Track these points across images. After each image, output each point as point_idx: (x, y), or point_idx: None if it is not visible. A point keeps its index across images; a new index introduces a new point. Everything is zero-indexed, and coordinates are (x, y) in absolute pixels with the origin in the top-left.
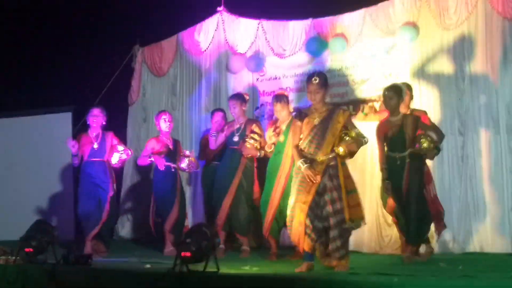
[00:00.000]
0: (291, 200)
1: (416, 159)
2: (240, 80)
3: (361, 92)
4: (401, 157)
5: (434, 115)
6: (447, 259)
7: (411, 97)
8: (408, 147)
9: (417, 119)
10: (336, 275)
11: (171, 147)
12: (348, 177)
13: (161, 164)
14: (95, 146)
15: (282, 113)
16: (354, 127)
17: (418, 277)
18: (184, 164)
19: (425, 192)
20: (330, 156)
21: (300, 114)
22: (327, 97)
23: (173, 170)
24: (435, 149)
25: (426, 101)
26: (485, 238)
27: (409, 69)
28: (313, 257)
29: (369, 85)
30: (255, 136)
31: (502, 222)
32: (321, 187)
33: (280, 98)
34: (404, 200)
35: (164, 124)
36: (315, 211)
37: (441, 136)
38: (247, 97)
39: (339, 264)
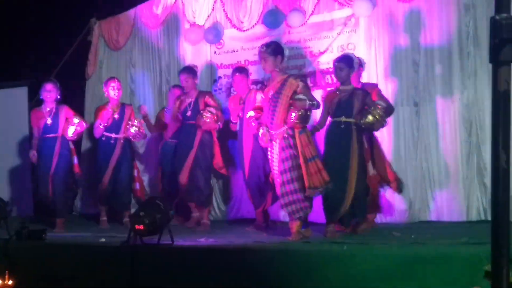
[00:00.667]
0: None
1: (364, 130)
2: (198, 53)
3: (318, 64)
4: (346, 122)
5: (390, 86)
6: (402, 227)
7: (361, 70)
8: (355, 117)
9: (367, 94)
10: (289, 244)
11: (116, 116)
12: (307, 145)
13: (98, 132)
14: (48, 121)
15: (241, 85)
16: (307, 93)
17: (368, 245)
18: (132, 129)
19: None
20: (283, 128)
21: (263, 85)
22: (279, 65)
23: (112, 141)
24: (381, 121)
25: (382, 72)
26: (441, 208)
27: (366, 41)
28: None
29: (326, 57)
30: (211, 109)
31: (457, 191)
32: (275, 158)
33: (241, 70)
34: (343, 170)
35: (112, 92)
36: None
37: (390, 109)
38: (197, 69)
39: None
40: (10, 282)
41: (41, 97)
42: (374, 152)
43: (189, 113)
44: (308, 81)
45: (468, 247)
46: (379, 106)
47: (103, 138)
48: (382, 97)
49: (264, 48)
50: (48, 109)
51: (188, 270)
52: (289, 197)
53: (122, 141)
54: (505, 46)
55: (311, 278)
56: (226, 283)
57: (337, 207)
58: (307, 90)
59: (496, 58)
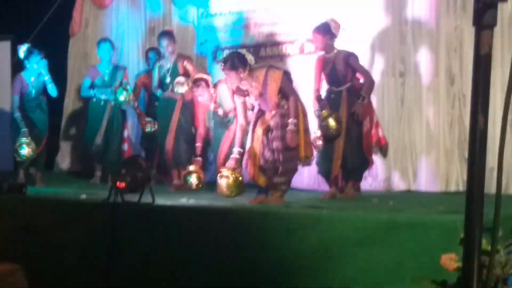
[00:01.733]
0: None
1: (353, 95)
2: (184, 14)
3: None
4: (336, 91)
5: (376, 57)
6: (382, 195)
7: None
8: (342, 83)
9: (349, 55)
10: (270, 207)
11: (106, 77)
12: (306, 115)
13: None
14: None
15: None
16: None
17: (346, 211)
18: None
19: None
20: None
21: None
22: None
23: (102, 103)
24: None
25: (369, 42)
26: (420, 178)
27: (352, 13)
28: (267, 192)
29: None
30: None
31: (438, 162)
32: (273, 123)
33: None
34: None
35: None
36: (266, 146)
37: (370, 84)
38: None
39: (275, 196)
40: None
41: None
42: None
43: (168, 79)
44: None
45: (445, 216)
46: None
47: (94, 100)
48: (359, 66)
49: (222, 65)
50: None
51: (168, 230)
52: (286, 166)
53: (112, 103)
54: (488, 11)
55: (290, 240)
56: (205, 244)
57: (328, 175)
58: (287, 84)
59: (479, 22)
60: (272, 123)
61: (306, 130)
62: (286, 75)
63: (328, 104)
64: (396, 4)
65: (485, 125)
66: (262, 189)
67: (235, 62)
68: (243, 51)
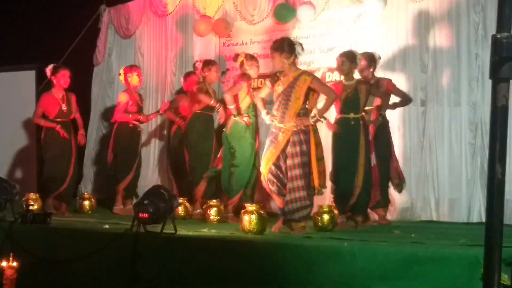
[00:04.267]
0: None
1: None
2: (206, 44)
3: (327, 60)
4: (354, 118)
5: (398, 85)
6: (403, 226)
7: (371, 67)
8: (362, 111)
9: (371, 86)
10: (291, 239)
11: (140, 103)
12: (319, 144)
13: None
14: (64, 108)
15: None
16: (323, 87)
17: (368, 243)
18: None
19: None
20: (294, 123)
21: (275, 76)
22: (287, 62)
23: (139, 129)
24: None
25: (390, 70)
26: (442, 208)
27: (375, 39)
28: (285, 213)
29: (335, 53)
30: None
31: (459, 192)
32: (285, 153)
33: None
34: (353, 165)
35: (137, 78)
36: (280, 170)
37: (407, 100)
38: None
39: (296, 228)
40: (15, 264)
41: (55, 81)
42: (382, 145)
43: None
44: None
45: (467, 249)
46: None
47: (131, 125)
48: (398, 89)
49: (272, 44)
50: (61, 95)
51: (189, 260)
52: (295, 194)
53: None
54: (505, 64)
55: (311, 273)
56: (226, 275)
57: (347, 201)
58: (320, 83)
59: (495, 75)
60: (289, 148)
61: (320, 159)
62: (315, 78)
63: (347, 131)
64: (417, 33)
65: (503, 175)
66: (281, 211)
67: (284, 45)
68: (295, 41)
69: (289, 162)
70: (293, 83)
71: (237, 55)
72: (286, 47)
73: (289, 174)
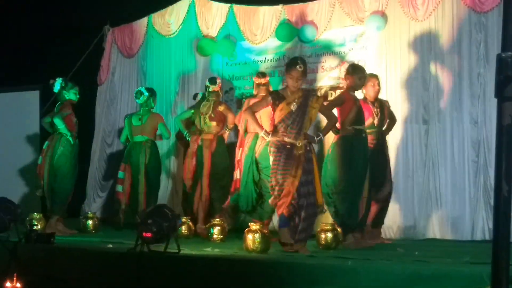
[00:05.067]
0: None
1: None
2: (210, 63)
3: (329, 79)
4: (365, 130)
5: (400, 104)
6: (406, 244)
7: (376, 87)
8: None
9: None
10: (295, 257)
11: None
12: (316, 162)
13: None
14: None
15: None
16: (328, 111)
17: (371, 261)
18: None
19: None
20: (306, 141)
21: (278, 95)
22: (294, 80)
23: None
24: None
25: (392, 89)
26: (446, 226)
27: (377, 58)
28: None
29: (337, 73)
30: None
31: (462, 210)
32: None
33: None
34: (370, 178)
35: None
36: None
37: (393, 122)
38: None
39: (302, 248)
40: (19, 285)
41: (74, 99)
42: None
43: None
44: None
45: (471, 267)
46: None
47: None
48: (391, 113)
49: (302, 68)
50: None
51: (193, 279)
52: (309, 211)
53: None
54: (510, 83)
55: None
56: None
57: (355, 217)
58: (327, 106)
59: (500, 94)
60: (304, 165)
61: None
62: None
63: (359, 141)
64: (419, 51)
65: (509, 193)
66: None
67: (287, 65)
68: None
69: (304, 177)
70: (304, 102)
71: None
72: (287, 66)
73: (302, 190)
